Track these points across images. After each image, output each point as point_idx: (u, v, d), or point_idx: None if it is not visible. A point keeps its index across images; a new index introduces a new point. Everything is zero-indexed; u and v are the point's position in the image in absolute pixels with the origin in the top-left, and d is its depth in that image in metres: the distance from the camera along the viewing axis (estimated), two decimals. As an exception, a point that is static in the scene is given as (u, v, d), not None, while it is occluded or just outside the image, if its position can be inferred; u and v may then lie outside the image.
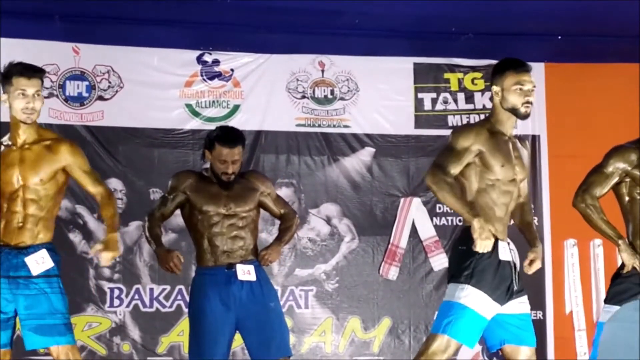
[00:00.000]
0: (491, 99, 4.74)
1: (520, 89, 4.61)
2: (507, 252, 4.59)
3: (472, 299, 4.50)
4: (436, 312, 4.73)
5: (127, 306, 7.02)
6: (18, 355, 5.09)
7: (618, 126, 6.94)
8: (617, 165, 4.68)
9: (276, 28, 7.07)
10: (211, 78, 7.27)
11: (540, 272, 7.14)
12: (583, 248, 7.45)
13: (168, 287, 7.07)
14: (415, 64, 7.50)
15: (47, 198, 4.75)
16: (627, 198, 4.71)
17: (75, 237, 6.97)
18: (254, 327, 5.29)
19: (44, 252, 4.71)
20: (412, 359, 5.11)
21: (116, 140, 7.09)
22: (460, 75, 7.55)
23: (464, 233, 4.64)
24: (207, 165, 5.48)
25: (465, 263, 4.54)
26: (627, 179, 4.69)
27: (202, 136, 6.99)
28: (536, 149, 7.45)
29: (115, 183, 7.01)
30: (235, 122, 7.18)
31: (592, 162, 4.78)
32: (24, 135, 4.75)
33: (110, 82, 7.11)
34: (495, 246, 4.51)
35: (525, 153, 4.78)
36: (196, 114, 7.23)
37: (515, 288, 4.58)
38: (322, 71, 7.44)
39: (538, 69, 7.06)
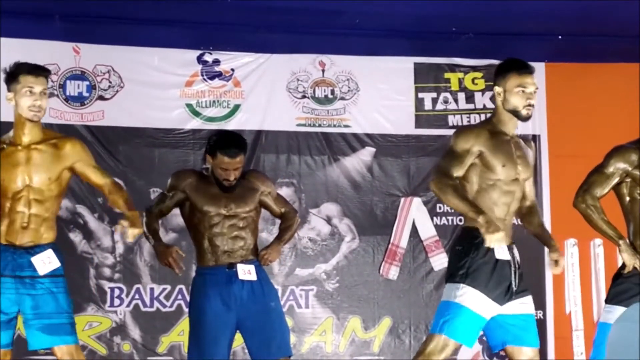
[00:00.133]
0: (492, 99, 4.73)
1: (523, 91, 4.59)
2: (505, 251, 4.57)
3: (468, 297, 4.50)
4: (436, 312, 4.74)
5: (128, 306, 7.01)
6: (18, 355, 5.09)
7: (618, 126, 6.93)
8: (618, 166, 4.69)
9: (276, 28, 7.06)
10: (211, 78, 7.27)
11: (541, 272, 7.20)
12: (583, 248, 7.44)
13: (168, 287, 7.07)
14: (415, 63, 7.49)
15: (51, 199, 4.75)
16: (627, 198, 4.72)
17: (75, 236, 6.97)
18: (254, 326, 5.29)
19: (50, 252, 4.71)
20: (411, 358, 5.11)
21: (116, 140, 7.08)
22: (460, 75, 7.54)
23: (462, 233, 4.64)
24: (208, 165, 5.46)
25: (460, 262, 4.54)
26: (628, 179, 4.69)
27: (202, 136, 7.02)
28: (536, 149, 7.42)
29: (115, 183, 7.01)
30: (235, 122, 7.19)
31: (592, 162, 4.79)
32: (30, 134, 4.73)
33: (110, 82, 7.11)
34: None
35: (530, 153, 4.76)
36: (196, 113, 7.22)
37: (515, 288, 4.57)
38: (323, 71, 7.43)
39: (538, 68, 6.95)
